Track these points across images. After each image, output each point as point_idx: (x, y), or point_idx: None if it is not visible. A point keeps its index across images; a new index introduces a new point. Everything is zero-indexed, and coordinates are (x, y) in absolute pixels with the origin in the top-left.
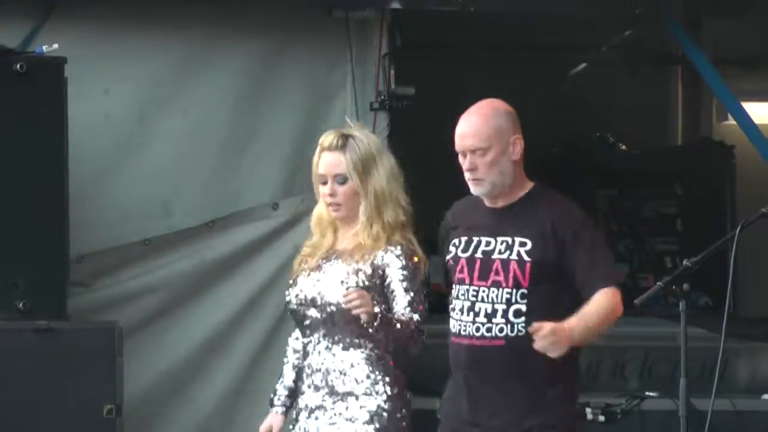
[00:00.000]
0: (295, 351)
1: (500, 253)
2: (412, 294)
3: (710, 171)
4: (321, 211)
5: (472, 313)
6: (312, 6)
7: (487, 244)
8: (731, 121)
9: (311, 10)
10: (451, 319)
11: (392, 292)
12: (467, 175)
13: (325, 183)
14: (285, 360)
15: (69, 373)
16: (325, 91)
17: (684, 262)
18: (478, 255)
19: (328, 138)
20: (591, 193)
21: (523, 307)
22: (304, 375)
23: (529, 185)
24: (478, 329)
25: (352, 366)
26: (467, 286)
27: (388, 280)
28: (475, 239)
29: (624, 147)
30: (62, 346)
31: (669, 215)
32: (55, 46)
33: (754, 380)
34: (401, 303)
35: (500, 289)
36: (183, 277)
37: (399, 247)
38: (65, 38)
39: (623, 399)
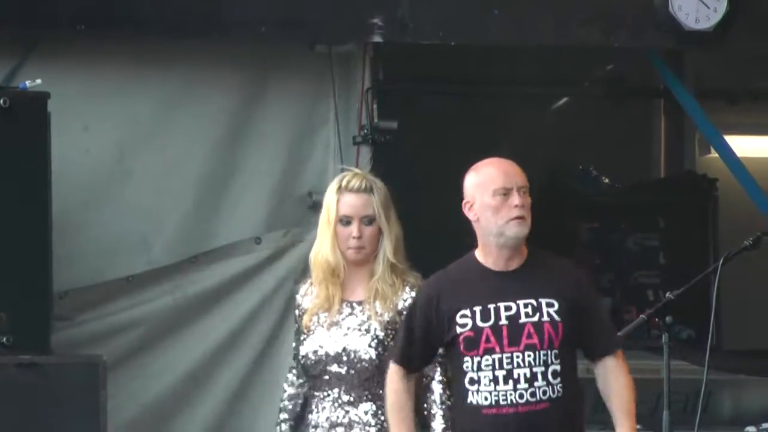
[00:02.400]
0: (292, 398)
1: (528, 316)
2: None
3: (693, 204)
4: (327, 256)
5: (511, 381)
6: (294, 41)
7: (508, 308)
8: (714, 154)
9: (293, 45)
10: (475, 393)
11: None
12: (515, 213)
13: (348, 224)
14: (282, 407)
15: (53, 407)
16: (307, 126)
17: (667, 294)
18: (503, 321)
19: (352, 180)
20: (573, 226)
21: (558, 368)
22: (312, 428)
23: (524, 247)
24: (521, 395)
25: (371, 417)
26: (498, 355)
27: None
28: (492, 306)
29: (606, 180)
30: (46, 381)
31: (651, 248)
32: (38, 81)
33: (738, 413)
34: None
35: (536, 352)
36: (166, 312)
37: (416, 291)
38: (47, 74)
39: None
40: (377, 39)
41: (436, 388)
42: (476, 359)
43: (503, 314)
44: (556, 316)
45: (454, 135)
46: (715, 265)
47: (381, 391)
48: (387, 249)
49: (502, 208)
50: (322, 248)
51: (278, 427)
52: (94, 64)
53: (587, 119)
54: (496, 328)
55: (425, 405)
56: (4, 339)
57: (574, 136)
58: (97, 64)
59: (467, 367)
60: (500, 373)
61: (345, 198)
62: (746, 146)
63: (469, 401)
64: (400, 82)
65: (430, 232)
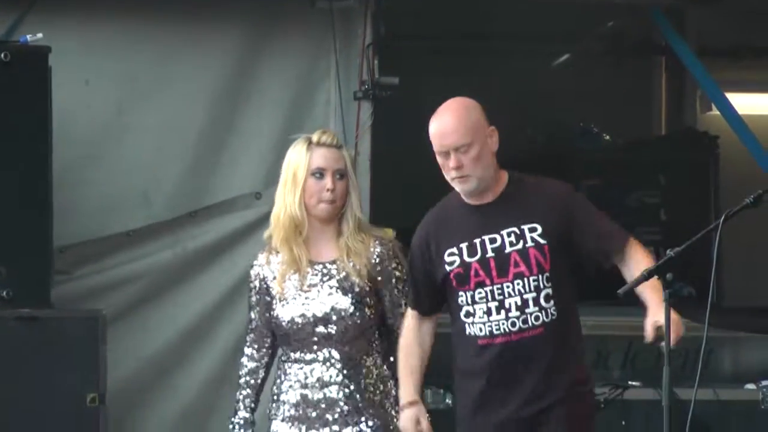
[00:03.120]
0: (251, 372)
1: (513, 245)
2: (403, 293)
3: (694, 161)
4: (294, 211)
5: (503, 311)
6: None
7: (493, 241)
8: (715, 112)
9: (294, 1)
10: (471, 325)
11: (389, 290)
12: (453, 174)
13: (321, 177)
14: (241, 382)
15: (52, 361)
16: (308, 82)
17: (668, 251)
18: (490, 254)
19: (323, 136)
20: (575, 183)
21: (551, 291)
22: (299, 389)
23: (505, 174)
24: (513, 324)
25: (364, 376)
26: (489, 287)
27: (382, 279)
28: (477, 240)
29: (607, 137)
30: (46, 335)
31: (653, 205)
32: (39, 35)
33: (738, 370)
34: (396, 304)
35: (525, 279)
36: (165, 266)
37: (386, 244)
38: (48, 29)
39: (606, 388)
40: None
41: None
42: (469, 293)
43: (489, 246)
44: (540, 239)
45: (455, 91)
46: (716, 223)
47: (369, 345)
48: (354, 205)
49: (445, 167)
50: (287, 205)
51: (240, 404)
52: (94, 18)
53: (588, 76)
54: (483, 261)
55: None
56: (4, 293)
57: (574, 93)
58: (97, 19)
59: (462, 301)
60: (492, 305)
61: (318, 151)
62: (748, 104)
63: (467, 333)
64: (402, 38)
65: (430, 187)
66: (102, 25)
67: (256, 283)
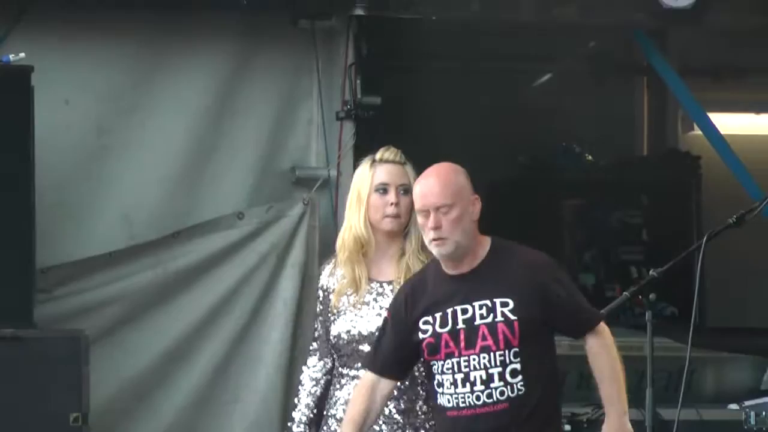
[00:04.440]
0: (313, 380)
1: (483, 318)
2: None
3: (676, 181)
4: (359, 230)
5: (468, 384)
6: (277, 16)
7: (464, 312)
8: (697, 132)
9: (276, 20)
10: (441, 395)
11: None
12: (431, 235)
13: (385, 192)
14: (302, 389)
15: (35, 381)
16: (290, 101)
17: (651, 272)
18: (461, 325)
19: (386, 153)
20: (556, 203)
21: (518, 366)
22: (342, 405)
23: (487, 243)
24: (478, 398)
25: (407, 399)
26: (457, 359)
27: None
28: (449, 311)
29: (590, 157)
30: (28, 354)
31: (635, 225)
32: (22, 55)
33: (720, 390)
34: None
35: (491, 354)
36: (147, 287)
37: None
38: (29, 48)
39: (589, 408)
40: (359, 12)
41: None
42: (440, 362)
43: (460, 318)
44: (510, 315)
45: (438, 111)
46: (698, 243)
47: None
48: (415, 226)
49: (425, 227)
50: (353, 224)
51: (299, 413)
52: (76, 37)
53: (571, 96)
54: (453, 333)
55: None
56: None
57: (557, 113)
58: (79, 37)
59: (434, 369)
60: (459, 377)
61: (381, 167)
62: (730, 123)
63: (438, 402)
64: (384, 57)
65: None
66: (84, 43)
67: (320, 293)
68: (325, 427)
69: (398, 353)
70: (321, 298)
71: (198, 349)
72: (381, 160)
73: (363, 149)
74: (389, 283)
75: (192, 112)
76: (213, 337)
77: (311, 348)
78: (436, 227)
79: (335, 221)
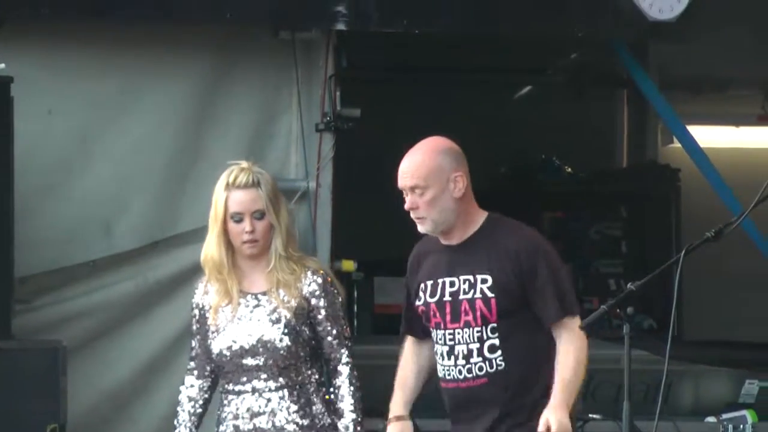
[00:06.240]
0: (192, 399)
1: (465, 293)
2: (339, 323)
3: (655, 194)
4: (213, 254)
5: (452, 357)
6: (258, 27)
7: (452, 284)
8: (676, 145)
9: (257, 31)
10: (437, 365)
11: (320, 321)
12: (411, 214)
13: (240, 221)
14: (181, 410)
15: (13, 391)
16: (270, 113)
17: (628, 285)
18: (447, 298)
19: (239, 176)
20: (536, 216)
21: (496, 341)
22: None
23: (482, 218)
24: (460, 372)
25: (292, 403)
26: (443, 331)
27: (314, 310)
28: (440, 281)
29: (569, 169)
30: (6, 365)
31: (614, 238)
32: (2, 65)
33: (698, 403)
34: (330, 333)
35: (471, 329)
36: (127, 297)
37: (319, 275)
38: (9, 58)
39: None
40: (341, 27)
41: (344, 369)
42: (434, 332)
43: (447, 290)
44: (488, 292)
45: (417, 123)
46: (677, 257)
47: (300, 377)
48: (278, 243)
49: (407, 204)
50: (209, 247)
51: (181, 431)
52: (56, 47)
53: (551, 108)
54: (440, 304)
55: (333, 388)
56: None
57: (537, 125)
58: (60, 47)
59: (432, 337)
60: (444, 349)
61: (234, 194)
62: (709, 136)
63: (437, 371)
64: (364, 69)
65: (392, 219)
66: (65, 53)
67: (196, 312)
68: None
69: (415, 313)
70: (197, 317)
71: (176, 361)
72: (234, 185)
73: (342, 161)
74: (263, 294)
75: (173, 122)
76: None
77: (188, 367)
78: (412, 207)
79: (314, 233)
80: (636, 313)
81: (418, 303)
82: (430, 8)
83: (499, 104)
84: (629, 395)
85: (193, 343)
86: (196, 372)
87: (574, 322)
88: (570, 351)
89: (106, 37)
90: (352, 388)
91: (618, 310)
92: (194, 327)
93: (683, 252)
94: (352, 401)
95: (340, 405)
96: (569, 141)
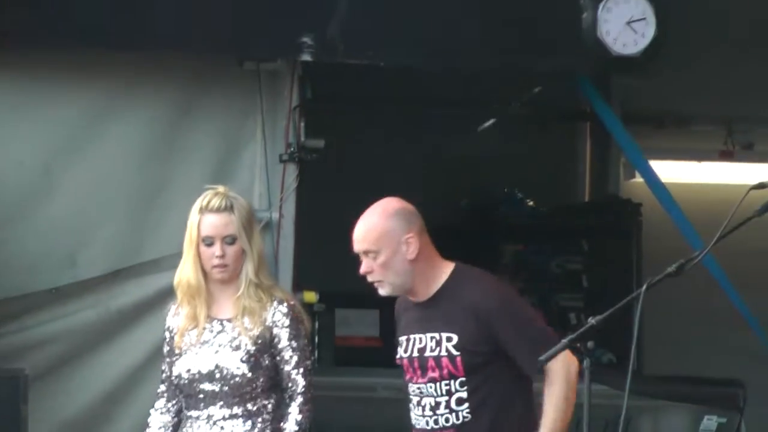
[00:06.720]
0: (161, 423)
1: (431, 350)
2: (299, 353)
3: (617, 228)
4: (189, 277)
5: (420, 408)
6: (223, 57)
7: (420, 341)
8: (639, 179)
9: (222, 62)
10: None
11: (281, 351)
12: (367, 278)
13: (211, 245)
14: None
15: None
16: (234, 143)
17: (589, 319)
18: (415, 354)
19: (213, 199)
20: (498, 248)
21: (464, 394)
22: None
23: (446, 273)
24: (427, 423)
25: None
26: (414, 385)
27: (276, 340)
28: (411, 338)
29: (531, 203)
30: None
31: (575, 271)
32: None
33: None
34: (289, 363)
35: (437, 383)
36: (88, 326)
37: (285, 305)
38: None
39: None
40: (307, 58)
41: (297, 399)
42: (408, 384)
43: (416, 346)
44: (453, 351)
45: (381, 155)
46: (637, 292)
47: (255, 407)
48: (249, 269)
49: None
50: (184, 270)
51: None
52: (21, 77)
53: (513, 141)
54: (410, 360)
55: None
56: None
57: (500, 158)
58: (25, 76)
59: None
60: (416, 400)
61: (206, 218)
62: (671, 171)
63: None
64: (328, 101)
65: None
66: (29, 83)
67: (167, 334)
68: None
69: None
70: (167, 339)
71: (138, 390)
72: (207, 209)
73: (306, 192)
74: (229, 320)
75: (137, 152)
76: (154, 377)
77: (159, 390)
78: (367, 272)
79: (276, 264)
80: (596, 348)
81: (397, 357)
82: (395, 41)
83: (463, 137)
84: (588, 430)
85: (164, 366)
86: (166, 395)
87: (556, 362)
88: (551, 393)
89: (71, 66)
90: (300, 416)
91: (578, 345)
92: (165, 349)
93: (644, 287)
94: (296, 429)
95: (284, 425)
96: (532, 174)
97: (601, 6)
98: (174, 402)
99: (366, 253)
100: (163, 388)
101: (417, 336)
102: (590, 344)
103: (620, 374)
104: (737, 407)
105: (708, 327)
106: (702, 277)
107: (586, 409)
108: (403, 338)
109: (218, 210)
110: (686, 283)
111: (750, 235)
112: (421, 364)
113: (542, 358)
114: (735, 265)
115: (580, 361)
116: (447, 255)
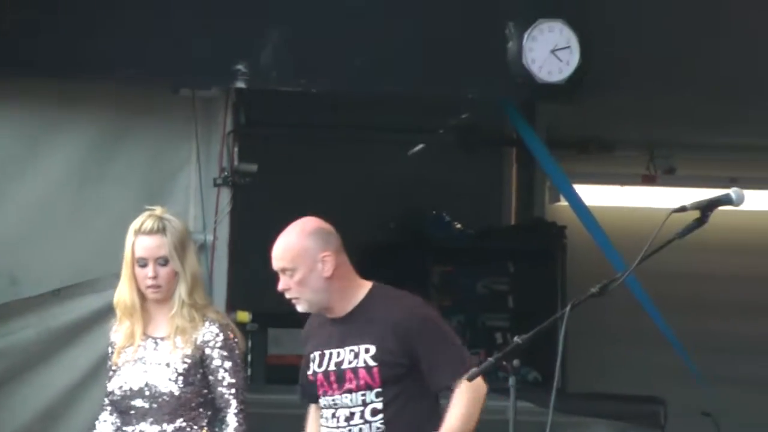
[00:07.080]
0: None
1: (349, 362)
2: (233, 373)
3: (542, 250)
4: (125, 297)
5: (335, 419)
6: (158, 84)
7: (338, 355)
8: (563, 203)
9: (157, 89)
10: (323, 427)
11: (213, 370)
12: (285, 295)
13: (144, 266)
14: None
15: None
16: (170, 167)
17: (515, 338)
18: (332, 368)
19: (146, 222)
20: (426, 269)
21: (380, 405)
22: None
23: (363, 291)
24: None
25: None
26: (329, 397)
27: (208, 360)
28: (327, 352)
29: (459, 225)
30: None
31: (501, 292)
32: None
33: None
34: (222, 383)
35: (353, 394)
36: (28, 345)
37: (216, 325)
38: None
39: None
40: (241, 85)
41: (231, 420)
42: (321, 399)
43: (333, 360)
44: (371, 361)
45: (313, 179)
46: (562, 312)
47: (185, 424)
48: (182, 290)
49: None
50: (121, 289)
51: None
52: None
53: (442, 166)
54: (326, 374)
55: None
56: None
57: (428, 182)
58: None
59: (321, 402)
60: (330, 412)
61: (140, 240)
62: (595, 195)
63: None
64: (262, 126)
65: None
66: None
67: (109, 349)
68: None
69: (309, 381)
70: (109, 353)
71: (77, 408)
72: (140, 231)
73: (240, 214)
74: (162, 339)
75: (75, 175)
76: (93, 395)
77: (104, 403)
78: (284, 289)
79: (210, 284)
80: (522, 366)
81: (309, 372)
82: (326, 68)
83: (392, 161)
84: None
85: (107, 380)
86: (109, 408)
87: (461, 387)
88: (458, 403)
89: (6, 92)
90: None
91: (504, 363)
92: (108, 363)
93: (568, 307)
94: None
95: None
96: (459, 198)
97: (526, 35)
98: (117, 415)
99: (283, 270)
100: (107, 401)
101: (334, 350)
102: (516, 362)
103: (545, 392)
104: (659, 424)
105: (630, 346)
106: (624, 298)
107: (512, 426)
108: (316, 354)
109: (151, 232)
110: (609, 304)
111: (671, 257)
112: (338, 377)
113: (469, 375)
114: (657, 287)
115: (506, 379)
116: (377, 275)
